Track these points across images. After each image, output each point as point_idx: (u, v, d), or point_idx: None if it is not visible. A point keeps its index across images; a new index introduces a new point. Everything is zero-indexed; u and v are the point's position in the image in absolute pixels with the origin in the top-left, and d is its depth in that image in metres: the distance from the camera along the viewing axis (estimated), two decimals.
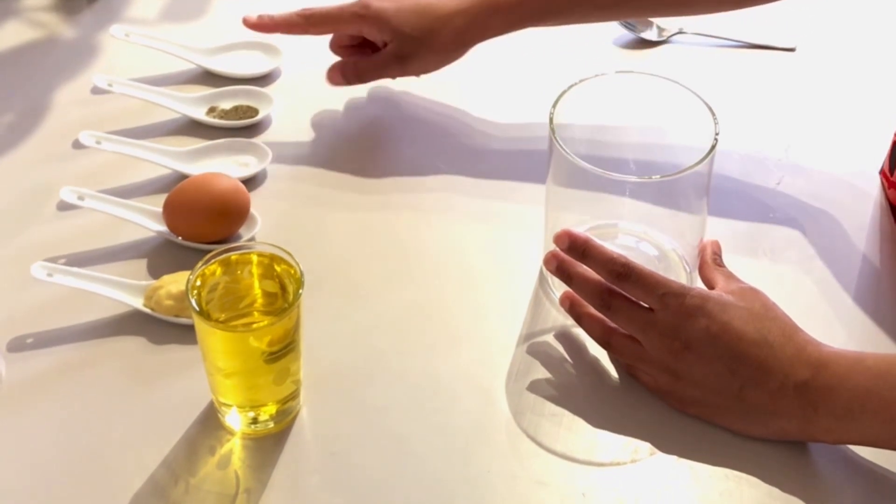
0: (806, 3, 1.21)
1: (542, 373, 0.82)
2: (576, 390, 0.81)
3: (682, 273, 0.87)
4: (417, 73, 1.01)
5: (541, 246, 0.89)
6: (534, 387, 0.81)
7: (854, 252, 0.92)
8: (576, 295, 0.81)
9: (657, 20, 1.14)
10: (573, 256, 0.80)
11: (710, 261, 0.84)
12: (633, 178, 0.79)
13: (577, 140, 0.84)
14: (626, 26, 1.14)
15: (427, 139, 1.03)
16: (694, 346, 0.75)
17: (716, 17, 1.14)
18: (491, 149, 1.01)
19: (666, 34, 1.14)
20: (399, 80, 1.06)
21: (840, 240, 0.93)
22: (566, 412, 0.79)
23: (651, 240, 0.89)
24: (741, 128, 1.03)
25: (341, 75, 1.01)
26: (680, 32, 1.15)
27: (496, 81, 1.07)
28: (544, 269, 0.86)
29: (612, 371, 0.82)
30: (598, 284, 0.79)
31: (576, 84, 0.84)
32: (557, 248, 0.81)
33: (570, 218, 0.85)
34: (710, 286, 0.82)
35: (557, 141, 0.80)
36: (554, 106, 0.82)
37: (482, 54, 1.08)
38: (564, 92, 0.84)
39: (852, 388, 0.72)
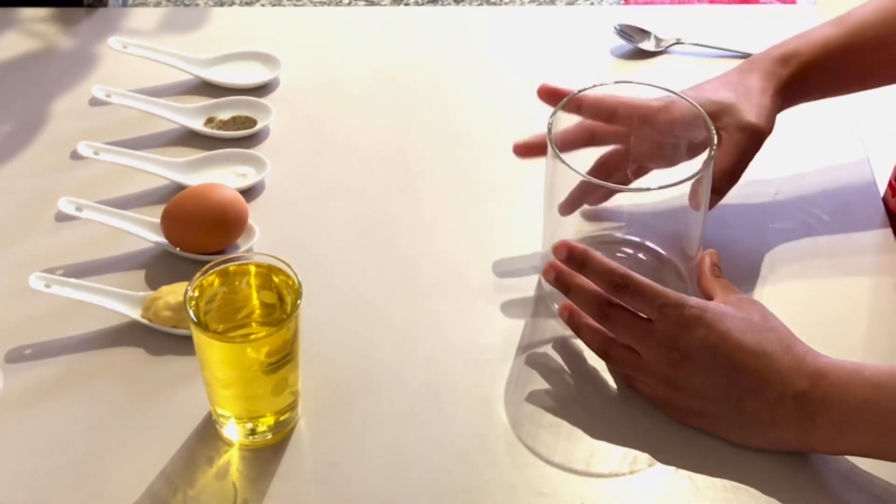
0: (803, 13, 1.21)
1: (540, 383, 0.82)
2: (574, 401, 0.81)
3: (680, 284, 0.87)
4: None
5: (539, 257, 0.89)
6: (532, 397, 0.81)
7: (852, 263, 0.92)
8: (574, 306, 0.81)
9: (654, 30, 1.14)
10: (572, 267, 0.80)
11: (708, 271, 0.84)
12: (631, 189, 0.79)
13: (576, 150, 0.85)
14: (623, 37, 1.14)
15: (427, 150, 1.03)
16: (692, 356, 0.75)
17: (713, 26, 1.15)
18: (490, 159, 1.01)
19: (664, 45, 1.14)
20: (399, 91, 1.07)
21: (839, 250, 0.93)
22: (565, 423, 0.79)
23: (649, 250, 0.89)
24: None
25: None
26: (678, 43, 1.15)
27: (496, 93, 1.07)
28: (543, 279, 0.85)
29: (611, 382, 0.82)
30: (597, 295, 0.79)
31: (575, 94, 0.85)
32: (556, 259, 0.81)
33: (569, 228, 0.85)
34: (709, 297, 0.82)
35: (556, 151, 0.80)
36: (553, 116, 0.83)
37: (482, 63, 1.08)
38: (563, 102, 0.84)
39: (850, 399, 0.72)
